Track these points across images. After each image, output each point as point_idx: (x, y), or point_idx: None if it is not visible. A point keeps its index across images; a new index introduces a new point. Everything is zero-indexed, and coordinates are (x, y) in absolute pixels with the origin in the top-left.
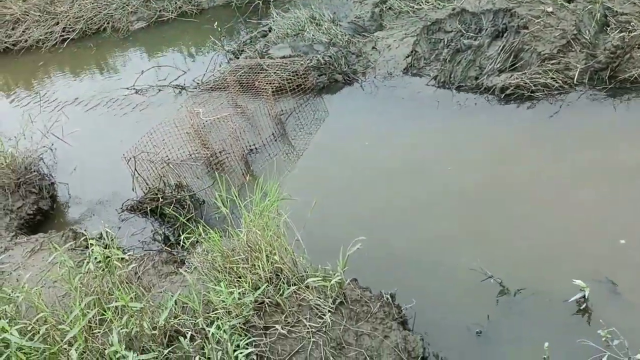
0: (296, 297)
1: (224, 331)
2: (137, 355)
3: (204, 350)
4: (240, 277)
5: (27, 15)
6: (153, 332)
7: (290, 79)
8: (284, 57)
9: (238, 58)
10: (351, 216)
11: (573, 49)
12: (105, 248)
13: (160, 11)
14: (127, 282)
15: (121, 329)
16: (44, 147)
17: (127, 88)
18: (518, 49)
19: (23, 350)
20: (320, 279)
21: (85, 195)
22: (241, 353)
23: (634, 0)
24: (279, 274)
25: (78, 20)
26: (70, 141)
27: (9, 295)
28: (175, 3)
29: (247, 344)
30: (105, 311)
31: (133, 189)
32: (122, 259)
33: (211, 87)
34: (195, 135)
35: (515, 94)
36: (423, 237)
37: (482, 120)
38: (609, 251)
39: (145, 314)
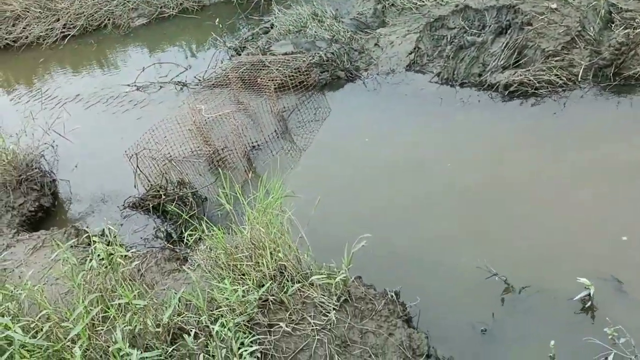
0: (300, 294)
1: (229, 329)
2: (141, 352)
3: (207, 347)
4: (244, 275)
5: (28, 11)
6: (157, 329)
7: (292, 75)
8: (286, 53)
9: (240, 55)
10: (353, 214)
11: (577, 46)
12: (108, 245)
13: (161, 7)
14: (130, 280)
15: (125, 326)
16: (45, 144)
17: (129, 85)
18: (522, 46)
19: (26, 348)
20: (324, 276)
21: (87, 192)
22: (245, 351)
23: None
24: (283, 271)
25: (79, 16)
26: (71, 138)
27: (12, 292)
28: None
29: (251, 342)
30: (108, 308)
31: (135, 186)
32: (125, 256)
33: (213, 84)
34: (198, 132)
35: (519, 91)
36: (426, 235)
37: (486, 117)
38: (612, 249)
39: (149, 311)
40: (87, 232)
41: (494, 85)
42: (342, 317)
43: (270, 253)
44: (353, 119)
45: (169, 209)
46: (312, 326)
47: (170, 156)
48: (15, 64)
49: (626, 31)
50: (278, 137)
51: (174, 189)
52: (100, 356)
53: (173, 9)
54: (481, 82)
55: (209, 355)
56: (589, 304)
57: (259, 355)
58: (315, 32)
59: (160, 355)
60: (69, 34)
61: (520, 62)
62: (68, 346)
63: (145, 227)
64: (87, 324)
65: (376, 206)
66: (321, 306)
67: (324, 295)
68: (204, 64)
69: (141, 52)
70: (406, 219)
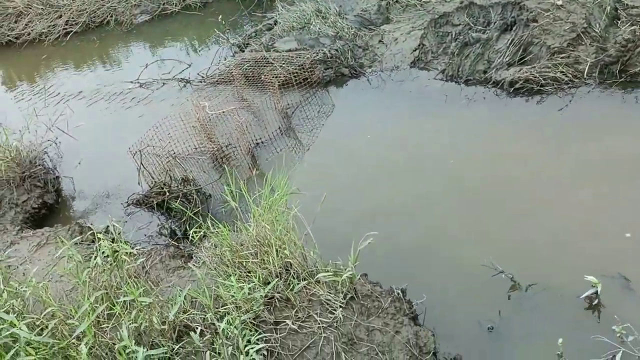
0: (306, 292)
1: (235, 327)
2: (147, 350)
3: (213, 345)
4: (249, 272)
5: (30, 8)
6: (162, 327)
7: (296, 72)
8: (289, 50)
9: (243, 51)
10: (357, 211)
11: (583, 43)
12: (112, 242)
13: (163, 4)
14: (135, 277)
15: (130, 323)
16: (48, 140)
17: (131, 81)
18: (527, 43)
19: (31, 345)
20: (331, 274)
21: (90, 189)
22: (252, 348)
23: None
24: (289, 268)
25: (81, 13)
26: (75, 135)
27: (16, 289)
28: None
29: (257, 340)
30: (113, 306)
31: (139, 183)
32: (130, 253)
33: (216, 81)
34: (201, 129)
35: (524, 88)
36: (431, 232)
37: (492, 114)
38: (616, 245)
39: (154, 308)
40: (92, 229)
41: (499, 82)
42: (349, 315)
43: (276, 250)
44: (357, 116)
45: (173, 206)
46: (319, 324)
47: (174, 153)
48: (17, 61)
49: (632, 28)
50: (282, 134)
51: (177, 186)
52: (106, 354)
53: (176, 6)
54: (486, 79)
55: (215, 352)
56: (596, 301)
57: (265, 352)
58: (319, 28)
59: (166, 353)
60: (72, 31)
61: (526, 59)
62: (73, 343)
63: (149, 224)
64: (92, 321)
65: (380, 203)
66: (327, 304)
67: (330, 293)
68: (206, 61)
69: (143, 49)
70: (410, 216)
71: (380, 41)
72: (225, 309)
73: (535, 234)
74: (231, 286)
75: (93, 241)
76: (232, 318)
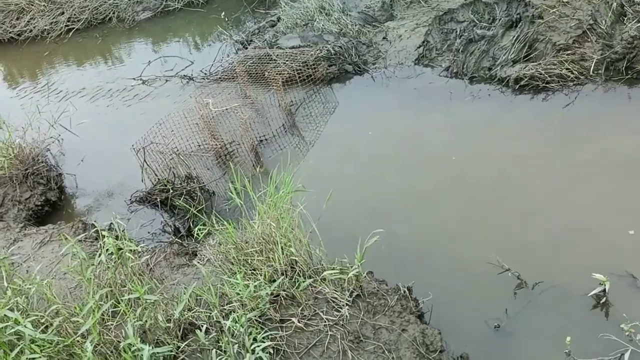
0: (312, 289)
1: (241, 324)
2: (152, 348)
3: (219, 343)
4: (254, 269)
5: (32, 5)
6: (168, 324)
7: (299, 69)
8: (293, 47)
9: (246, 48)
10: (360, 208)
11: (589, 40)
12: (116, 239)
13: (166, 1)
14: (139, 274)
15: (135, 321)
16: (50, 137)
17: (134, 78)
18: (532, 39)
19: (36, 343)
20: (337, 271)
21: (93, 186)
22: (258, 346)
23: None
24: (294, 266)
25: (83, 10)
26: (77, 132)
27: (20, 286)
28: None
29: (263, 338)
30: (118, 303)
31: (142, 180)
32: (134, 250)
33: (219, 78)
34: (205, 126)
35: (530, 85)
36: (435, 230)
37: (497, 111)
38: (620, 243)
39: (159, 306)
40: (95, 227)
41: (505, 79)
42: (355, 313)
43: (282, 248)
44: (361, 113)
45: (177, 203)
46: (325, 322)
47: (178, 150)
48: (19, 58)
49: (639, 24)
50: (286, 132)
51: (181, 183)
52: (111, 352)
53: (178, 2)
54: (491, 76)
55: (221, 350)
56: (603, 299)
57: (271, 350)
58: (322, 25)
59: (171, 351)
60: (74, 28)
61: (531, 55)
62: (78, 341)
63: (152, 221)
64: (97, 319)
65: (383, 201)
66: (333, 301)
67: (336, 291)
68: (209, 58)
69: (146, 45)
70: (414, 214)
71: (384, 38)
72: (230, 306)
73: (540, 231)
74: (237, 284)
75: (96, 238)
76: (237, 316)
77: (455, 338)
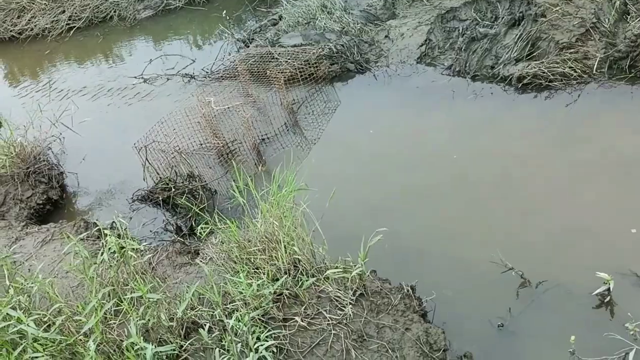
0: (315, 288)
1: (244, 323)
2: (155, 347)
3: (222, 342)
4: (257, 268)
5: (33, 3)
6: (170, 323)
7: (301, 68)
8: (295, 45)
9: (248, 47)
10: (362, 207)
11: (592, 38)
12: (118, 238)
13: None
14: (142, 273)
15: (138, 320)
16: (52, 136)
17: (135, 77)
18: (535, 38)
19: (39, 342)
20: (340, 270)
21: (95, 185)
22: (262, 345)
23: None
24: (297, 265)
25: (84, 8)
26: (79, 131)
27: (22, 285)
28: None
29: (266, 337)
30: (121, 302)
31: (144, 179)
32: (136, 249)
33: (221, 76)
34: (207, 125)
35: (533, 84)
36: (438, 228)
37: (500, 109)
38: (623, 242)
39: (162, 305)
40: (97, 225)
41: (507, 78)
42: (358, 312)
43: (285, 246)
44: (363, 111)
45: (179, 202)
46: (328, 320)
47: (179, 149)
48: (20, 57)
49: None
50: (288, 130)
51: (183, 182)
52: (114, 350)
53: (179, 1)
54: (494, 75)
55: (224, 349)
56: (608, 298)
57: (274, 349)
58: (324, 24)
59: (174, 350)
60: (75, 26)
61: (534, 54)
62: (81, 340)
63: (154, 220)
64: (100, 317)
65: (385, 199)
66: (337, 300)
67: (339, 290)
68: (210, 56)
69: (147, 44)
70: (416, 212)
71: (386, 36)
72: (233, 305)
73: (543, 230)
74: (240, 283)
75: (98, 237)
76: (241, 315)
77: (459, 337)
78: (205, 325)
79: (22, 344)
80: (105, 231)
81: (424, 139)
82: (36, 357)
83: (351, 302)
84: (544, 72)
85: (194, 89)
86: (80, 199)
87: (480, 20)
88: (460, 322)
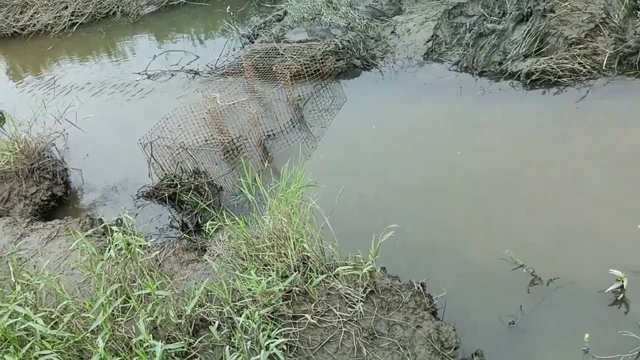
0: (325, 285)
1: (254, 321)
2: (164, 344)
3: (231, 340)
4: (266, 265)
5: None
6: (179, 320)
7: (307, 63)
8: (300, 41)
9: (253, 42)
10: (370, 204)
11: (601, 34)
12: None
13: None
14: (149, 270)
15: (146, 317)
16: (56, 132)
17: (139, 73)
18: (544, 33)
19: (46, 339)
20: (350, 267)
21: (99, 181)
22: (272, 342)
23: None
24: (306, 261)
25: (87, 4)
26: (82, 127)
27: (29, 282)
28: None
29: (277, 334)
30: (129, 299)
31: (149, 175)
32: (142, 246)
33: (226, 72)
34: (212, 121)
35: (541, 80)
36: (446, 225)
37: (508, 105)
38: (630, 239)
39: (169, 302)
40: (103, 222)
41: (515, 74)
42: (369, 309)
43: (294, 243)
44: (370, 107)
45: (185, 198)
46: (339, 318)
47: (185, 145)
48: (23, 53)
49: None
50: (294, 126)
51: (188, 178)
52: (122, 348)
53: None
54: (502, 71)
55: (233, 347)
56: (621, 296)
57: (284, 347)
58: (330, 19)
59: (183, 347)
60: (78, 22)
61: (542, 50)
62: (88, 337)
63: (159, 216)
64: (108, 314)
65: (392, 196)
66: (347, 298)
67: (349, 287)
68: (214, 52)
69: (150, 40)
70: (424, 209)
71: (392, 32)
72: (242, 302)
73: (553, 227)
74: (249, 280)
75: (104, 234)
76: (250, 312)
77: (469, 335)
78: (214, 322)
79: (29, 341)
80: (112, 227)
81: (431, 135)
82: (44, 355)
83: (362, 299)
84: (552, 68)
85: (199, 85)
86: (85, 196)
87: (487, 15)
88: (471, 320)
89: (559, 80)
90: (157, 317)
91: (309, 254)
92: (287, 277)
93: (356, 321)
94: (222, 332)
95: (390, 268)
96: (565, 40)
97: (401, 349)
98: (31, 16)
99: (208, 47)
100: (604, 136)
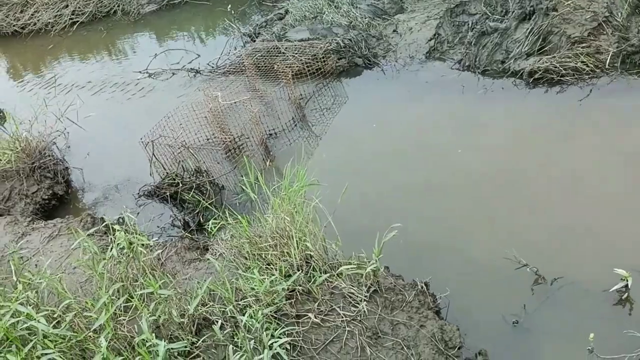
0: (328, 285)
1: (256, 320)
2: (167, 343)
3: (233, 339)
4: (269, 264)
5: None
6: (181, 320)
7: (309, 62)
8: (302, 40)
9: (254, 41)
10: (372, 202)
11: (604, 32)
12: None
13: None
14: (151, 269)
15: (149, 316)
16: (57, 131)
17: (140, 72)
18: (547, 32)
19: (49, 338)
20: (354, 266)
21: (100, 180)
22: (276, 342)
23: None
24: (309, 260)
25: (88, 2)
26: (83, 126)
27: (31, 281)
28: None
29: (280, 333)
30: (131, 298)
31: (150, 174)
32: (144, 245)
33: (227, 71)
34: (214, 120)
35: (544, 78)
36: (449, 224)
37: (511, 104)
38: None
39: (172, 301)
40: (105, 221)
41: (518, 72)
42: (372, 308)
43: (297, 242)
44: (371, 106)
45: (187, 197)
46: (342, 317)
47: (186, 144)
48: (23, 51)
49: None
50: (295, 125)
51: (190, 177)
52: (125, 347)
53: None
54: (504, 69)
55: (237, 346)
56: (625, 295)
57: (287, 346)
58: (331, 18)
59: (186, 347)
60: (78, 21)
61: (545, 48)
62: (91, 336)
63: (160, 215)
64: (111, 314)
65: (394, 195)
66: (350, 297)
67: (352, 286)
68: (215, 51)
69: (151, 39)
70: (426, 208)
71: (394, 31)
72: (245, 301)
73: (556, 226)
74: (252, 278)
75: (105, 233)
76: (254, 311)
77: (473, 334)
78: (217, 321)
79: (32, 341)
80: (114, 226)
81: (433, 134)
82: (47, 354)
83: (365, 298)
84: (555, 67)
85: (200, 84)
86: (86, 195)
87: (490, 14)
88: (474, 319)
89: (561, 79)
90: (159, 317)
91: (312, 253)
92: (290, 276)
93: (360, 320)
94: (225, 332)
95: (392, 267)
96: (568, 38)
97: (405, 348)
98: (32, 15)
99: (209, 45)
100: (607, 135)
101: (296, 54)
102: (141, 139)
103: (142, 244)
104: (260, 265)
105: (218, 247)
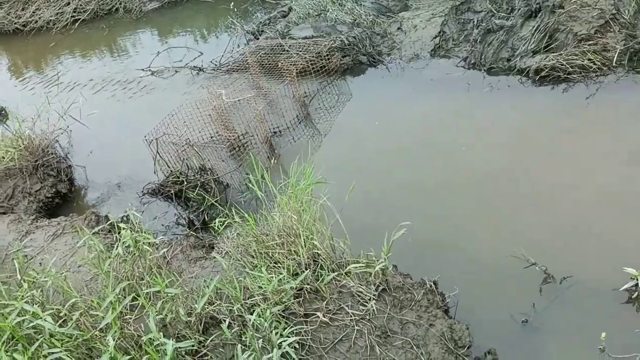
0: (336, 283)
1: (265, 319)
2: (174, 342)
3: (241, 338)
4: (276, 263)
5: None
6: (189, 318)
7: (313, 60)
8: (306, 37)
9: (257, 39)
10: (377, 200)
11: (611, 30)
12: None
13: None
14: (157, 267)
15: (156, 315)
16: (59, 129)
17: (143, 69)
18: (553, 30)
19: (55, 337)
20: (362, 265)
21: (103, 178)
22: (284, 341)
23: None
24: (317, 259)
25: (90, 0)
26: (86, 123)
27: (36, 279)
28: None
29: (289, 333)
30: (138, 296)
31: (154, 172)
32: (150, 243)
33: (230, 69)
34: (218, 117)
35: (550, 76)
36: (457, 222)
37: (517, 102)
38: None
39: (179, 299)
40: (109, 219)
41: (524, 70)
42: (381, 307)
43: (304, 240)
44: (376, 104)
45: (192, 195)
46: (351, 316)
47: (191, 141)
48: (25, 49)
49: None
50: (299, 123)
51: (194, 175)
52: (132, 346)
53: None
54: (510, 67)
55: (245, 345)
56: (635, 294)
57: (296, 345)
58: (335, 15)
59: (193, 346)
60: (80, 19)
61: (552, 46)
62: (97, 335)
63: (165, 214)
64: (118, 312)
65: (400, 193)
66: (359, 296)
67: (361, 285)
68: (218, 49)
69: (153, 36)
70: (433, 206)
71: (399, 28)
72: (252, 300)
73: (562, 225)
74: (260, 277)
75: (110, 231)
76: (262, 310)
77: (482, 333)
78: (224, 320)
79: (38, 340)
80: (120, 225)
81: (439, 132)
82: (53, 353)
83: (374, 297)
84: (562, 65)
85: (203, 82)
86: (89, 193)
87: (495, 11)
88: (483, 318)
89: (568, 76)
90: (166, 315)
91: (319, 252)
92: (297, 274)
93: (369, 319)
94: (233, 330)
95: (398, 265)
96: (575, 36)
97: (414, 347)
98: (33, 12)
99: (212, 43)
100: (614, 133)
101: (300, 51)
102: (145, 136)
103: (148, 242)
104: (267, 264)
105: (224, 245)
